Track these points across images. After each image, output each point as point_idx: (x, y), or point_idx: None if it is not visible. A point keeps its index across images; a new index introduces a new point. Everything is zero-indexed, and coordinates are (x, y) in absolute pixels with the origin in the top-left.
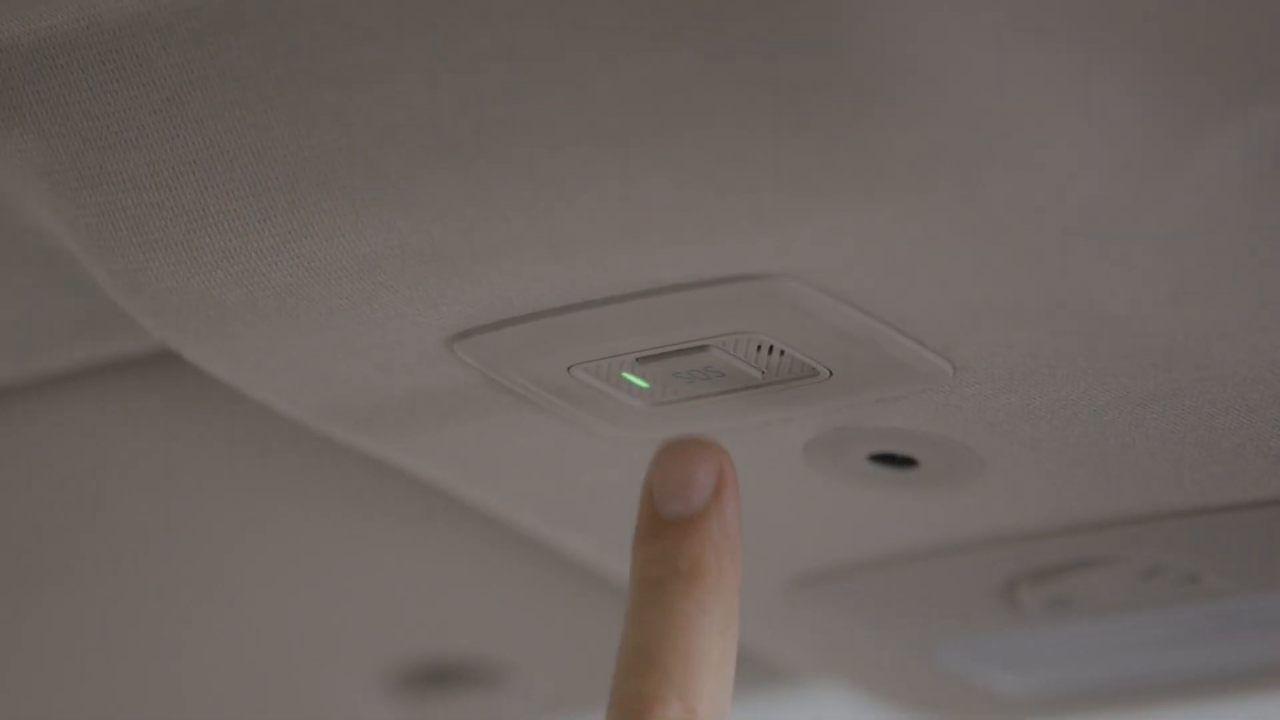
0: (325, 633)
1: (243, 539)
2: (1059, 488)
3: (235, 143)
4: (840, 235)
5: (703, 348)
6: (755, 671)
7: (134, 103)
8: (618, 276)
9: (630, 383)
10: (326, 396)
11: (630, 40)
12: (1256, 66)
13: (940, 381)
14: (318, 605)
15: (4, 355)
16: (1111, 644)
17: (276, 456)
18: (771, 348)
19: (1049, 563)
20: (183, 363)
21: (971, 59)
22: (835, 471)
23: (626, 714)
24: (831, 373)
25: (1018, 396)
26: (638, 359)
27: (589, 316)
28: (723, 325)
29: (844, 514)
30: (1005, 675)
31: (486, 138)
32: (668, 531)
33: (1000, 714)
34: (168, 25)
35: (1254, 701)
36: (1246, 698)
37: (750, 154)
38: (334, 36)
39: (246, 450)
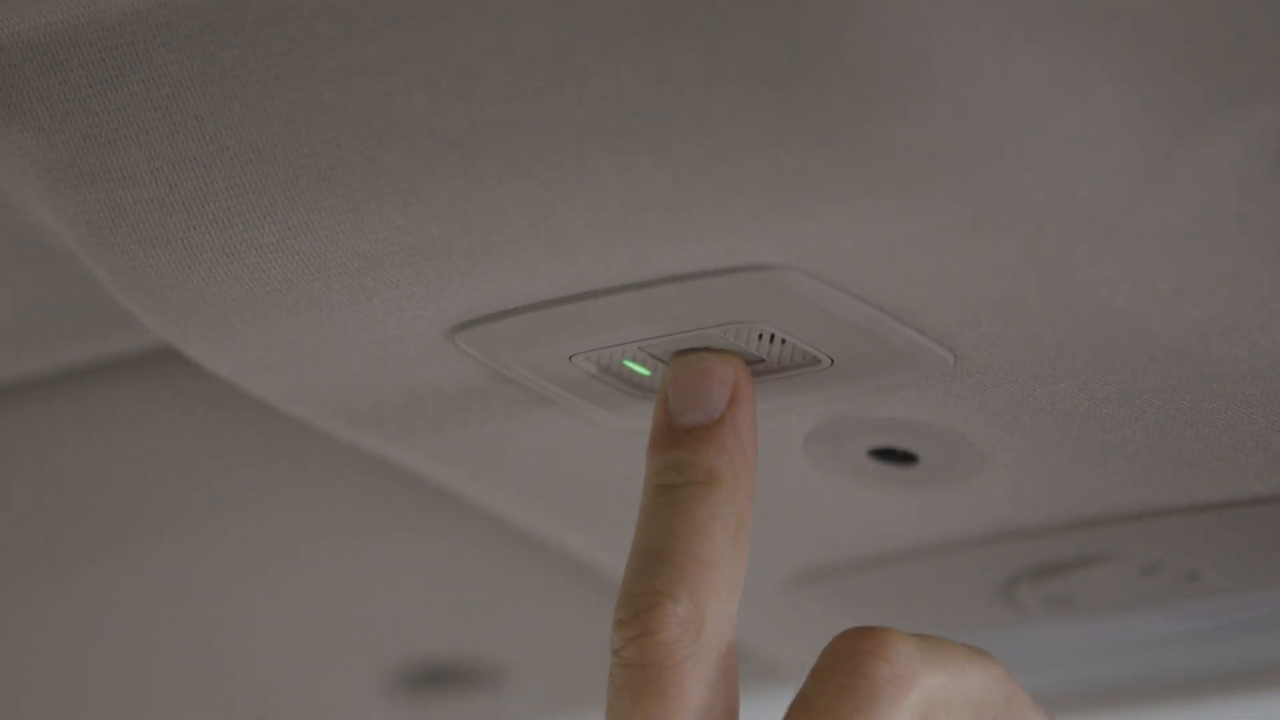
0: (325, 633)
1: (243, 538)
2: (1059, 484)
3: (235, 140)
4: (841, 232)
5: (705, 336)
6: (755, 670)
7: (134, 99)
8: (618, 270)
9: (632, 371)
10: (327, 393)
11: (630, 38)
12: (1256, 66)
13: (941, 370)
14: (318, 605)
15: (4, 352)
16: (1112, 643)
17: (277, 454)
18: (773, 336)
19: (1049, 560)
20: (183, 360)
21: (971, 57)
22: (835, 467)
23: (636, 609)
24: (833, 361)
25: (1018, 387)
26: (640, 347)
27: (590, 306)
28: (724, 314)
29: (844, 511)
30: None
31: (486, 136)
32: (683, 440)
33: None
34: (168, 22)
35: (1254, 701)
36: (1246, 697)
37: (751, 151)
38: (334, 35)
39: (247, 448)
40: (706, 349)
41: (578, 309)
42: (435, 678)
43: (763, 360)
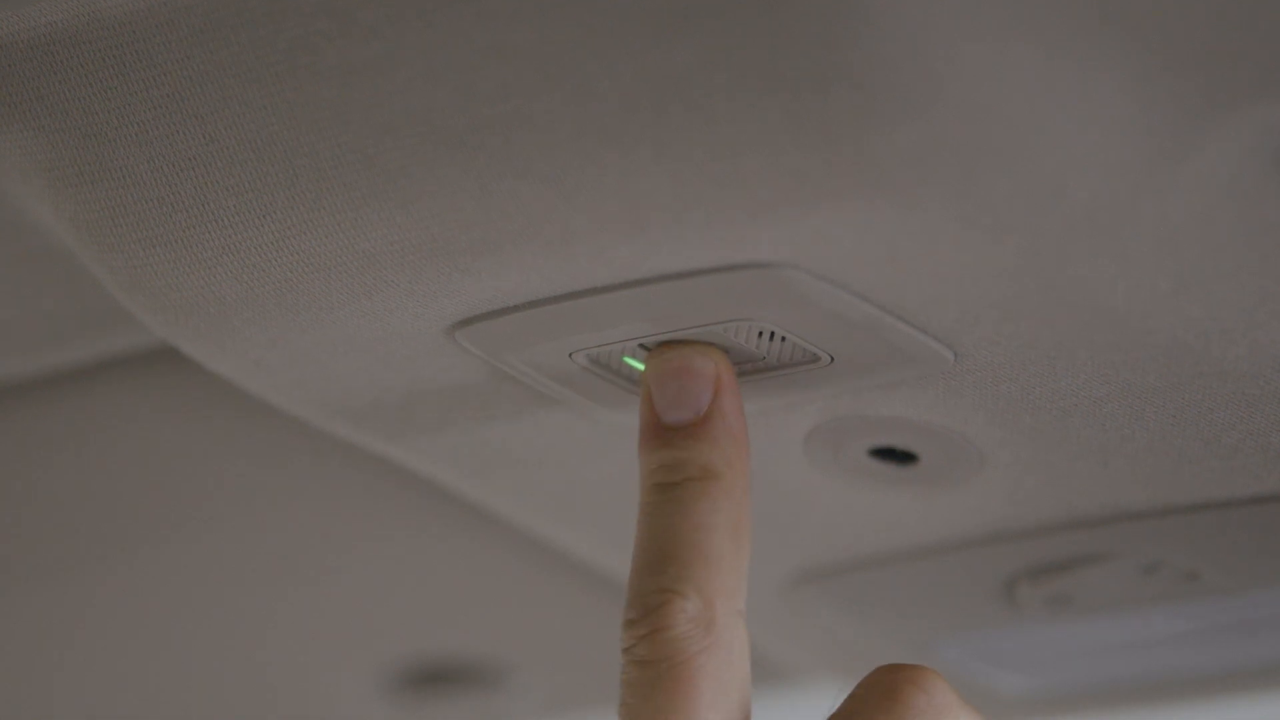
0: (325, 633)
1: (243, 537)
2: (1058, 483)
3: (235, 138)
4: (840, 230)
5: (705, 334)
6: (755, 670)
7: (134, 98)
8: (619, 268)
9: (632, 368)
10: (327, 391)
11: (629, 37)
12: (1255, 65)
13: (941, 368)
14: (317, 605)
15: (5, 352)
16: (1111, 642)
17: (277, 454)
18: (773, 334)
19: (1048, 559)
20: (183, 359)
21: (971, 57)
22: (835, 467)
23: (645, 607)
24: (833, 359)
25: (1018, 385)
26: (640, 344)
27: (591, 303)
28: (724, 312)
29: (844, 511)
30: (1005, 674)
31: (486, 134)
32: (674, 438)
33: (1000, 713)
34: (168, 21)
35: (1254, 701)
36: (1246, 698)
37: (750, 150)
38: (334, 33)
39: (247, 447)
40: (685, 342)
41: (578, 306)
42: (435, 678)
43: (763, 359)
